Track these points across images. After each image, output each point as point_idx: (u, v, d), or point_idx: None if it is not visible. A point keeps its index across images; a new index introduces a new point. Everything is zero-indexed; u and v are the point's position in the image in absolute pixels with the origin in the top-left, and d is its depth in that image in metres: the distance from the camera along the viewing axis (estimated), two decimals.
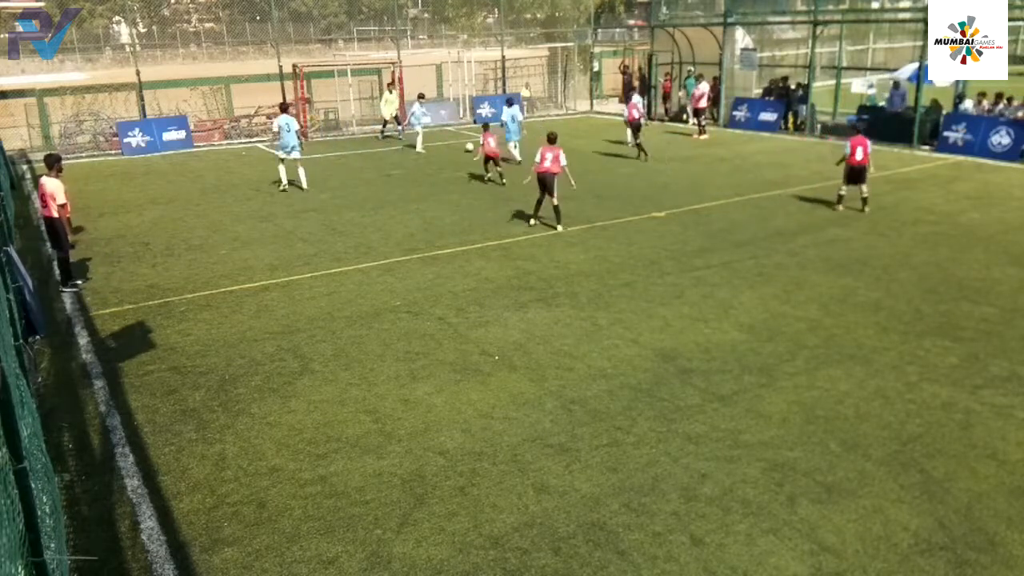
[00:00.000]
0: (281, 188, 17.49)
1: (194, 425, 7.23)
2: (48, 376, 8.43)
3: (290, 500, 6.04)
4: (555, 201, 13.54)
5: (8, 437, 3.85)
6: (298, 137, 17.24)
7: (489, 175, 17.99)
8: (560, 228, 13.63)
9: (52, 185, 10.96)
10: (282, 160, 17.43)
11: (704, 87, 24.98)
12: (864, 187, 14.46)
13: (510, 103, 20.07)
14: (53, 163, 11.14)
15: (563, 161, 13.34)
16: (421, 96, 23.62)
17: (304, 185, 17.47)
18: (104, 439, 7.04)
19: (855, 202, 14.65)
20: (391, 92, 25.19)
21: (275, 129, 18.10)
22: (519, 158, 19.87)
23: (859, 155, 14.20)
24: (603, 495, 6.01)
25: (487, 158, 17.53)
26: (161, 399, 7.77)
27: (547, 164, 13.26)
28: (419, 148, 22.67)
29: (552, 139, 13.60)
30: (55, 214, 10.94)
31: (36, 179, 19.87)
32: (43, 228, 11.80)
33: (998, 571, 5.13)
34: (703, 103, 24.91)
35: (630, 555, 5.34)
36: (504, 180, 17.58)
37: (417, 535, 5.59)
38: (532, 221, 13.90)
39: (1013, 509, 5.75)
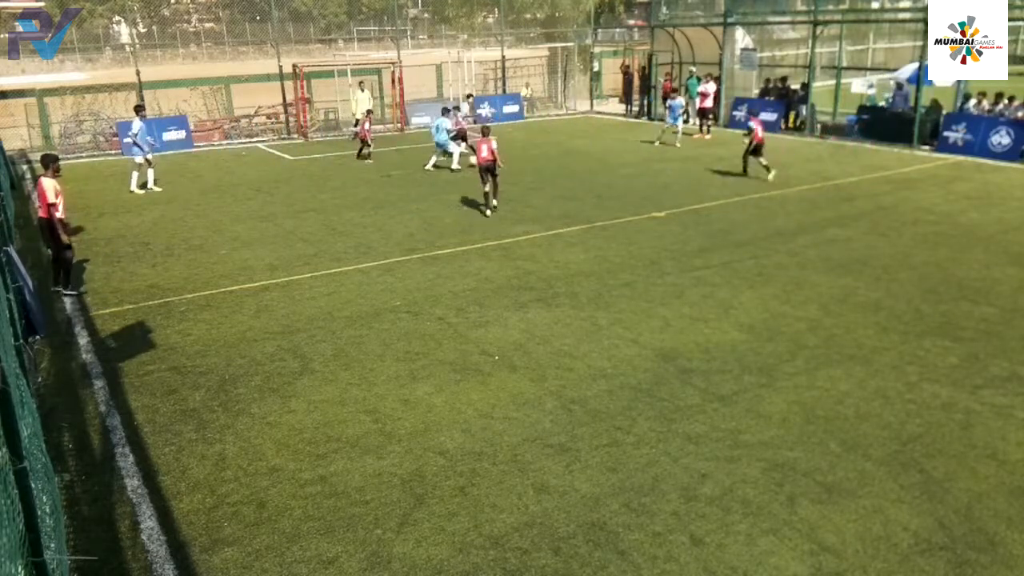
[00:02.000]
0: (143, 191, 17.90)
1: (194, 425, 7.23)
2: (48, 376, 8.43)
3: (290, 500, 6.04)
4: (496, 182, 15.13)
5: (8, 437, 3.85)
6: (139, 143, 17.63)
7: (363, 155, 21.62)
8: (496, 203, 15.22)
9: (44, 185, 10.71)
10: (150, 164, 17.82)
11: (711, 87, 24.94)
12: (762, 158, 17.52)
13: (445, 112, 20.49)
14: (48, 163, 10.91)
15: (494, 145, 14.89)
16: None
17: (134, 187, 17.82)
18: (104, 439, 7.04)
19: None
20: (362, 91, 25.21)
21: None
22: (437, 163, 20.14)
23: (760, 133, 17.50)
24: (603, 495, 6.01)
25: (362, 140, 21.69)
26: (161, 399, 7.77)
27: (483, 154, 14.83)
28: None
29: (485, 132, 15.13)
30: (46, 214, 10.68)
31: (36, 179, 19.92)
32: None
33: (998, 571, 5.13)
34: (708, 103, 24.89)
35: (630, 555, 5.34)
36: (370, 159, 21.44)
37: (417, 535, 5.59)
38: (488, 212, 15.06)
39: (1013, 509, 5.75)
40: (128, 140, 17.53)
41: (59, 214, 10.66)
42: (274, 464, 6.54)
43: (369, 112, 22.33)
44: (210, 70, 32.61)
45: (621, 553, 5.36)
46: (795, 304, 9.98)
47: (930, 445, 6.63)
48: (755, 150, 17.53)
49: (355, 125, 25.72)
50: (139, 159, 17.64)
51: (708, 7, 29.48)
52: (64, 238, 10.69)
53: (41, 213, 10.90)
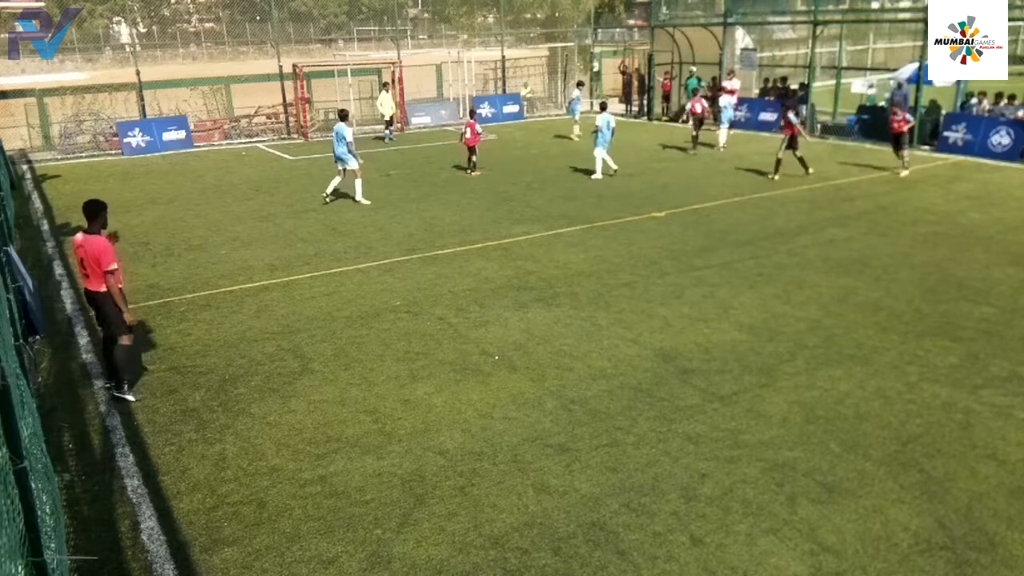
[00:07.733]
0: (327, 199, 16.27)
1: (194, 425, 7.23)
2: (48, 376, 8.43)
3: (290, 500, 6.04)
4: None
5: (8, 437, 3.86)
6: (347, 148, 15.82)
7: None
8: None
9: (96, 245, 7.33)
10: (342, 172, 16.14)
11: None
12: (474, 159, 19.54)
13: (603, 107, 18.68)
14: (97, 213, 7.40)
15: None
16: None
17: (359, 198, 16.27)
18: (104, 439, 7.04)
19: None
20: (387, 92, 25.17)
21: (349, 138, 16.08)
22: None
23: (468, 133, 19.15)
24: (603, 495, 6.01)
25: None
26: (161, 399, 7.77)
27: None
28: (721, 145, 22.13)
29: (796, 111, 18.24)
30: (101, 287, 7.45)
31: (36, 179, 19.93)
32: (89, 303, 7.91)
33: (998, 571, 5.13)
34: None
35: (630, 555, 5.34)
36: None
37: (417, 535, 5.59)
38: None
39: (1013, 509, 5.75)
40: (343, 149, 15.82)
41: (119, 283, 7.59)
42: (274, 464, 6.54)
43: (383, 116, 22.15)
44: (210, 70, 32.62)
45: (621, 553, 5.36)
46: (795, 304, 9.98)
47: (930, 445, 6.63)
48: (470, 151, 19.43)
49: (387, 127, 25.47)
50: (352, 165, 15.92)
51: (708, 7, 29.48)
52: (128, 318, 7.63)
53: (89, 284, 7.49)
